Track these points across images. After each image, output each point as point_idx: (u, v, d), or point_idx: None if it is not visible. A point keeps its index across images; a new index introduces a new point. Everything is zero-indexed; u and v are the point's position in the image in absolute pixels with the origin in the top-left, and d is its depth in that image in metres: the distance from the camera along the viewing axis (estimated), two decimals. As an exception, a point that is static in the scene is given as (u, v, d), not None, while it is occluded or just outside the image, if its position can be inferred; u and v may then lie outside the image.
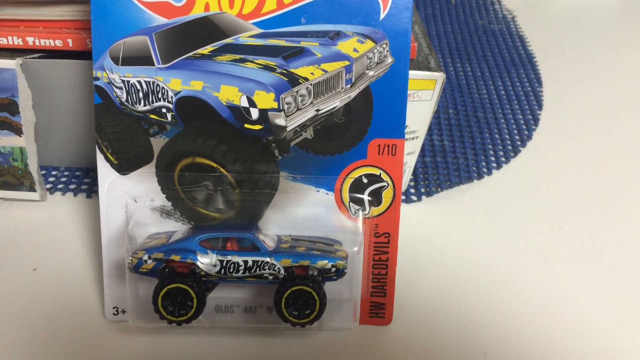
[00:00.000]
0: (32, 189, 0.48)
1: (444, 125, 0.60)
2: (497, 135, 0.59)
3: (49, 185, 0.50)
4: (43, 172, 0.51)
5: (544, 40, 0.77)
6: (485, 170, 0.55)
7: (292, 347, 0.40)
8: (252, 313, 0.40)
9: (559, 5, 0.88)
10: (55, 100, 0.47)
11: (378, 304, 0.41)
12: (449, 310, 0.42)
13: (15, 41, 0.44)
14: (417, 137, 0.47)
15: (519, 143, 0.59)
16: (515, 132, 0.60)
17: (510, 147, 0.58)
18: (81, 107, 0.47)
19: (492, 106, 0.64)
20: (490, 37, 0.77)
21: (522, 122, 0.62)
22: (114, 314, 0.40)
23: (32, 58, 0.45)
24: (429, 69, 0.44)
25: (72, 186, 0.50)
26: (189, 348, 0.39)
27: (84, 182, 0.51)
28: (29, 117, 0.45)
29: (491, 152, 0.57)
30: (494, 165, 0.56)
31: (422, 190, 0.52)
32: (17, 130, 0.46)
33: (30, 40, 0.44)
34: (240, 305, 0.40)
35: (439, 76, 0.44)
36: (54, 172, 0.52)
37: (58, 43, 0.44)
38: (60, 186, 0.50)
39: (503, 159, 0.56)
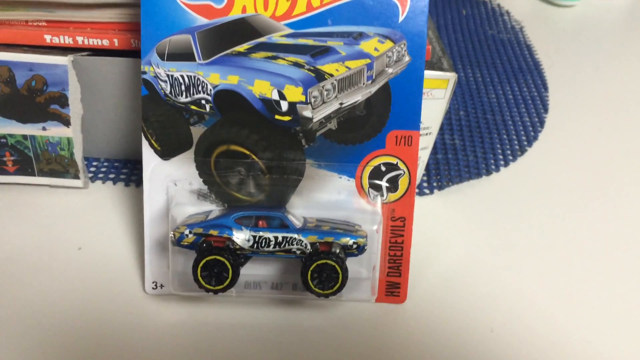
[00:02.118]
0: (76, 176, 0.50)
1: (455, 126, 0.62)
2: (505, 136, 0.61)
3: (89, 175, 0.52)
4: (85, 162, 0.53)
5: (551, 49, 0.78)
6: (493, 167, 0.56)
7: (313, 320, 0.41)
8: (278, 290, 0.42)
9: (565, 16, 0.88)
10: (100, 95, 0.48)
11: (394, 284, 0.42)
12: (458, 291, 0.44)
13: (67, 40, 0.46)
14: (430, 133, 0.49)
15: (525, 143, 0.60)
16: (522, 132, 0.61)
17: (517, 147, 0.59)
18: (124, 101, 0.49)
19: (501, 109, 0.65)
20: (499, 46, 0.78)
21: (528, 123, 0.63)
22: (153, 288, 0.42)
23: (82, 55, 0.46)
24: (441, 69, 0.46)
25: (111, 175, 0.52)
26: (221, 318, 0.41)
27: (122, 172, 0.53)
28: (77, 110, 0.47)
29: (499, 151, 0.58)
30: (502, 162, 0.57)
31: (435, 184, 0.54)
32: (66, 122, 0.47)
33: (80, 39, 0.46)
34: (268, 281, 0.42)
35: (451, 76, 0.45)
36: (94, 163, 0.54)
37: (105, 42, 0.46)
38: (100, 175, 0.52)
39: (510, 157, 0.58)
